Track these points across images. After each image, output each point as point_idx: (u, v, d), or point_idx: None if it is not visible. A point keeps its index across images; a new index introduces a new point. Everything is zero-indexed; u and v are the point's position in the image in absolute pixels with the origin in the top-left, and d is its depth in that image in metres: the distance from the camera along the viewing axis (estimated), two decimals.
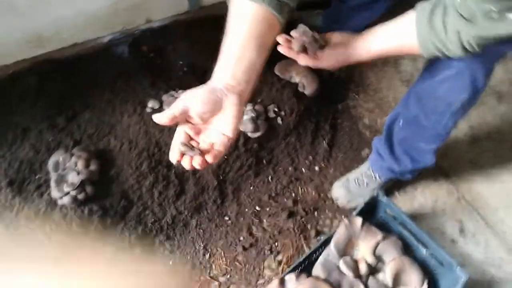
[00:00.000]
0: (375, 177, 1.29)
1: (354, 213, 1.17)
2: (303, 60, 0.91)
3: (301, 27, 0.95)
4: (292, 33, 0.96)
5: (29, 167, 1.17)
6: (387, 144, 1.20)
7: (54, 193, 1.09)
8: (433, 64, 0.95)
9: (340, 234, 1.12)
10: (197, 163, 0.70)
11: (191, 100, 0.71)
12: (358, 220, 1.14)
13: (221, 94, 0.72)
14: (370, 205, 1.20)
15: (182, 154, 0.71)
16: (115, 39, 1.52)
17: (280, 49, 0.91)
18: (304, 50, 0.92)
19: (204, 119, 0.73)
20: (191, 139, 0.73)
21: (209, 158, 0.71)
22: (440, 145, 1.11)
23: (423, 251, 1.16)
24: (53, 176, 1.11)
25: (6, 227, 1.07)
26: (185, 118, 0.73)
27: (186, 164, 0.70)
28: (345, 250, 1.12)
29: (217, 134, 0.73)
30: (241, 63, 0.73)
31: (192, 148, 0.71)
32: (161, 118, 0.70)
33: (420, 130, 1.07)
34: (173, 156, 0.71)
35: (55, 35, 1.39)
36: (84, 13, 1.39)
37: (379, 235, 1.14)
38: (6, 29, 1.29)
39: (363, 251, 1.13)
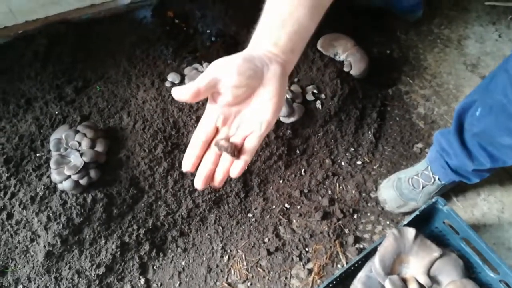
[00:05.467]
0: (434, 179, 1.07)
1: (405, 221, 0.97)
2: None
3: None
4: None
5: (30, 144, 1.02)
6: (456, 138, 0.98)
7: (54, 176, 0.94)
8: None
9: (387, 246, 0.92)
10: (221, 174, 0.58)
11: (222, 70, 0.55)
12: (411, 232, 0.93)
13: (261, 64, 0.55)
14: (425, 213, 0.99)
15: (199, 162, 0.58)
16: (137, 1, 1.34)
17: None
18: None
19: (238, 96, 0.56)
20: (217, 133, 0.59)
21: (237, 166, 0.57)
22: None
23: (490, 275, 0.95)
24: (53, 157, 0.96)
25: None
26: (213, 96, 0.57)
27: (199, 182, 0.59)
28: (392, 267, 0.92)
29: (253, 120, 0.57)
30: (288, 26, 0.56)
31: (223, 146, 0.56)
32: (181, 92, 0.54)
33: (506, 120, 0.84)
34: (187, 163, 0.59)
35: None
36: None
37: (435, 252, 0.93)
38: None
39: (415, 270, 0.93)
